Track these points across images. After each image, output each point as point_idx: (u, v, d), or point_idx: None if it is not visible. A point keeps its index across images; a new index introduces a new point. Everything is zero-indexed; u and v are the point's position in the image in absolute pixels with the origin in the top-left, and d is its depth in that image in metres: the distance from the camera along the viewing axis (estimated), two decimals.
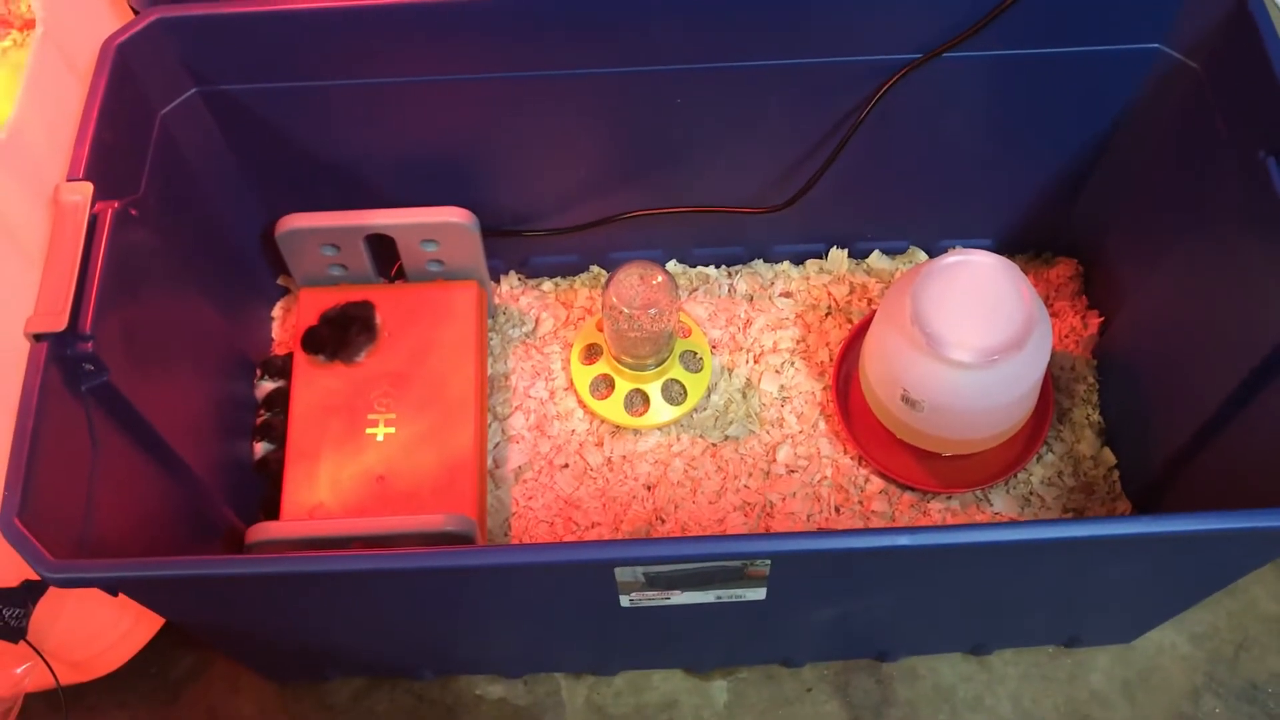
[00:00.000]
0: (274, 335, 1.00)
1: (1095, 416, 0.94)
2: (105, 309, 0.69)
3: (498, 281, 1.02)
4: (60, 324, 0.65)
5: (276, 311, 1.01)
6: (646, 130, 0.88)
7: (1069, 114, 0.88)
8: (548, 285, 1.02)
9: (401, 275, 0.96)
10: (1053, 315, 0.99)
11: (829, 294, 1.00)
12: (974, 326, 0.81)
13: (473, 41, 0.80)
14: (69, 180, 0.70)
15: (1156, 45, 0.81)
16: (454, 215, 0.90)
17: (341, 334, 0.90)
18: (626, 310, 0.88)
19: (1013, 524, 0.60)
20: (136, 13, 0.78)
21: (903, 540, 0.60)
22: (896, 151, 0.90)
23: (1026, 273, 0.99)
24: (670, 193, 0.94)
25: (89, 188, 0.70)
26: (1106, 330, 0.96)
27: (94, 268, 0.69)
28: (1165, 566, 0.73)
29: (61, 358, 0.67)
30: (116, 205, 0.72)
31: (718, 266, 1.02)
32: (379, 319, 0.92)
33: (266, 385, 0.94)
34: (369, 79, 0.82)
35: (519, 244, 0.98)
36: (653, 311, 0.88)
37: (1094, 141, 0.90)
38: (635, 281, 0.88)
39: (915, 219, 0.99)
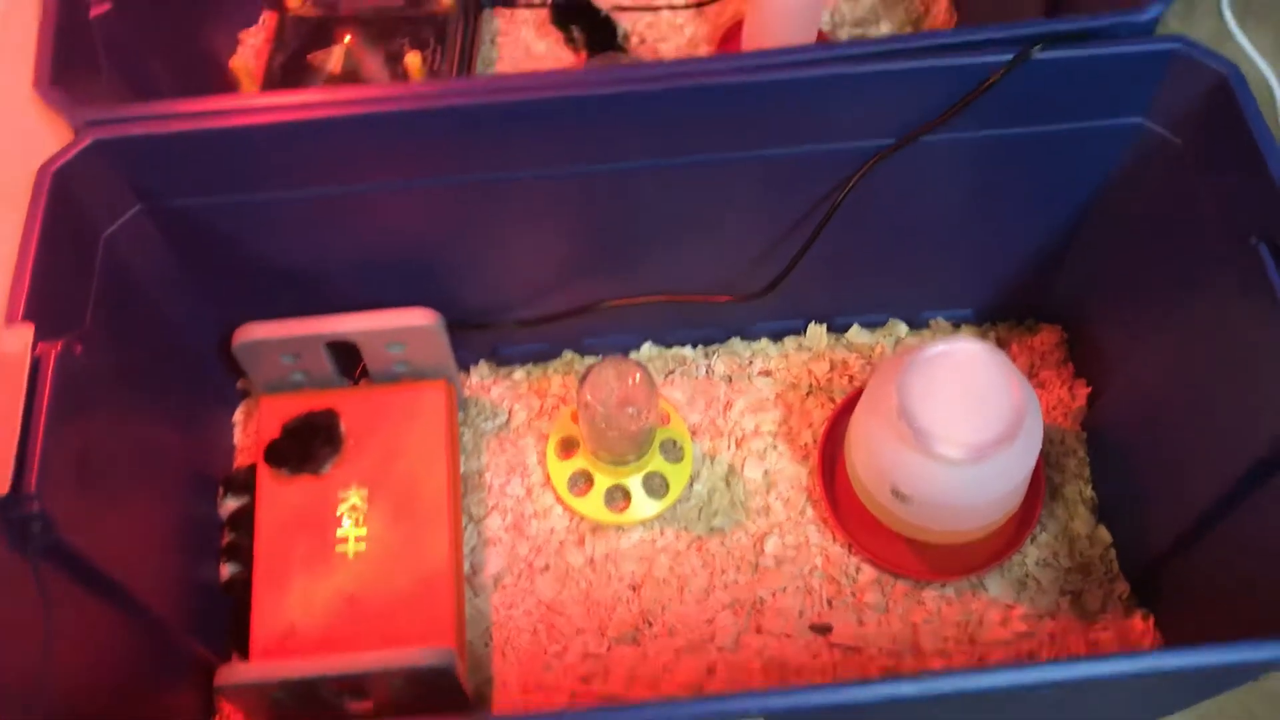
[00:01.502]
0: (236, 442, 0.96)
1: (1088, 492, 0.91)
2: (52, 460, 0.65)
3: (467, 372, 0.99)
4: (2, 489, 0.62)
5: (238, 416, 0.97)
6: (615, 224, 0.85)
7: (1049, 188, 0.85)
8: (519, 374, 0.99)
9: (366, 376, 0.92)
10: (1039, 385, 0.96)
11: (809, 372, 0.97)
12: (963, 420, 0.78)
13: (429, 148, 0.77)
14: (8, 324, 0.67)
15: (1139, 120, 0.79)
16: (419, 318, 0.86)
17: (305, 446, 0.87)
18: (603, 409, 0.85)
19: (1024, 667, 0.57)
20: (75, 132, 0.74)
21: (906, 689, 0.57)
22: (872, 230, 0.87)
23: (1009, 341, 0.98)
24: (644, 281, 0.91)
25: (29, 333, 0.66)
26: (1095, 402, 0.93)
27: (37, 419, 0.65)
28: (1177, 684, 0.71)
29: (6, 521, 0.63)
30: (59, 346, 0.68)
31: (694, 346, 0.99)
32: (343, 427, 0.88)
33: (230, 503, 0.91)
34: (324, 189, 0.78)
35: (488, 333, 0.95)
36: (631, 410, 0.85)
37: (1075, 213, 0.88)
38: (611, 379, 0.85)
39: (894, 292, 0.97)
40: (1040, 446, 0.81)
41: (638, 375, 0.84)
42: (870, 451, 0.83)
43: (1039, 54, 0.74)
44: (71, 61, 0.78)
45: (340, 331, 0.86)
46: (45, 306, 0.69)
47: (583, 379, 0.86)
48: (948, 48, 0.75)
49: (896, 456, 0.80)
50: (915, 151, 0.79)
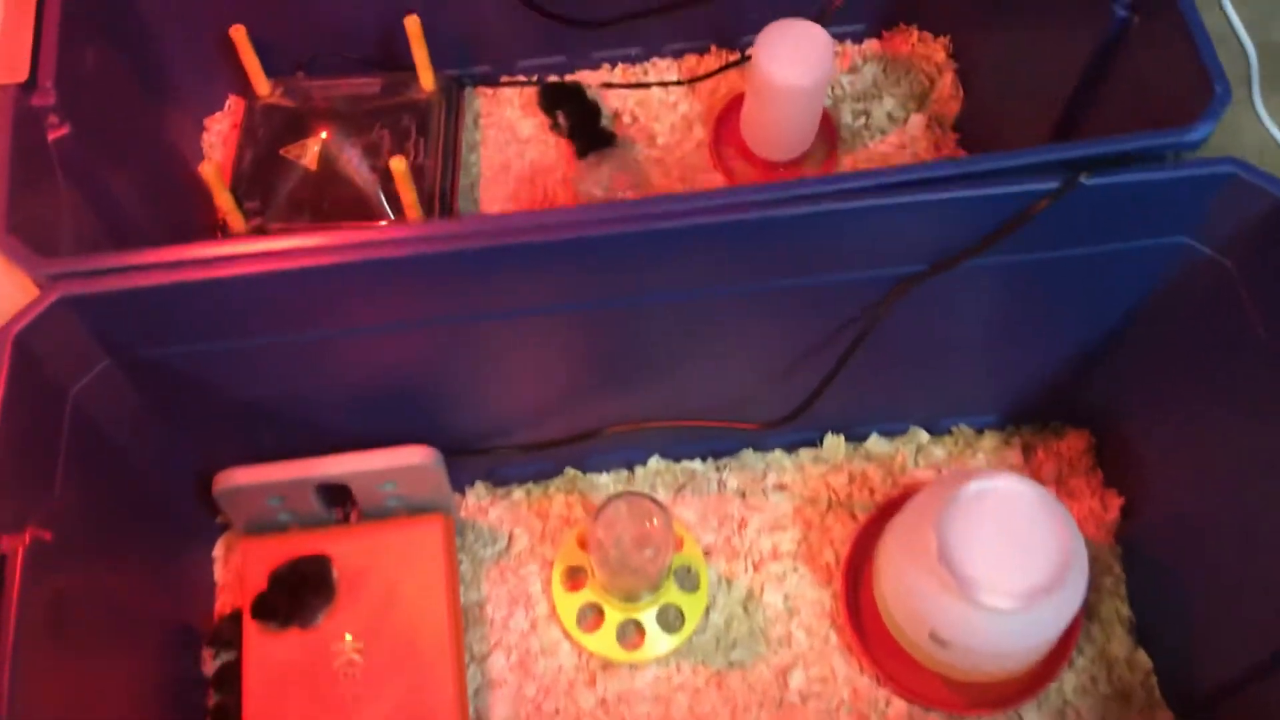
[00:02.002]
0: (217, 578, 0.89)
1: (1125, 611, 0.87)
2: (23, 636, 0.59)
3: (462, 493, 0.92)
4: None
5: (218, 551, 0.90)
6: (623, 354, 0.79)
7: (1085, 304, 0.81)
8: (519, 494, 0.93)
9: (356, 509, 0.86)
10: (1067, 495, 0.91)
11: (827, 485, 0.92)
12: (1010, 566, 0.73)
13: (423, 292, 0.70)
14: None
15: (1184, 240, 0.74)
16: (415, 456, 0.80)
17: (294, 597, 0.80)
18: (617, 551, 0.79)
19: None
20: (38, 285, 0.67)
21: None
22: (895, 346, 0.82)
23: (1035, 445, 0.93)
24: (652, 404, 0.85)
25: None
26: (1129, 514, 0.89)
27: (7, 609, 0.59)
28: None
29: None
30: (27, 539, 0.61)
31: (704, 460, 0.94)
32: (335, 572, 0.82)
33: (215, 660, 0.84)
34: (309, 334, 0.72)
35: (486, 456, 0.89)
36: (649, 553, 0.79)
37: (1112, 326, 0.83)
38: (626, 518, 0.79)
39: (915, 400, 0.92)
40: (1086, 583, 0.77)
41: (656, 519, 0.79)
42: (906, 593, 0.78)
43: (1087, 181, 0.68)
44: (30, 199, 0.71)
45: (330, 473, 0.80)
46: (9, 488, 0.62)
47: (596, 515, 0.80)
48: (986, 175, 0.69)
49: (936, 602, 0.75)
50: (946, 275, 0.74)
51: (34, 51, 0.74)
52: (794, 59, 0.95)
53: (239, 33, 0.97)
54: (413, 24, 0.97)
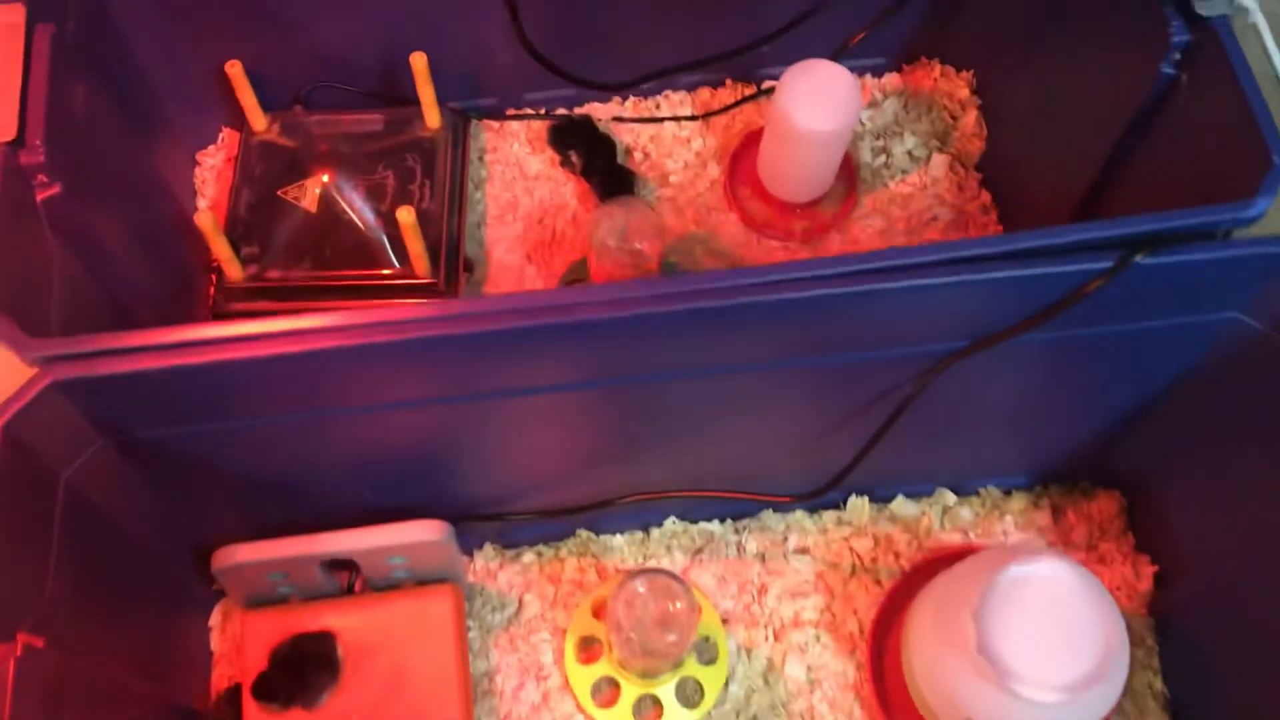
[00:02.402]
0: (213, 648, 0.85)
1: (1159, 685, 0.84)
2: None
3: (470, 556, 0.89)
4: None
5: (214, 620, 0.86)
6: (645, 428, 0.76)
7: (1125, 376, 0.78)
8: (529, 556, 0.89)
9: (360, 579, 0.82)
10: (1098, 560, 0.88)
11: (851, 549, 0.89)
12: (1052, 657, 0.70)
13: (433, 372, 0.67)
14: None
15: (1235, 315, 0.71)
16: (426, 531, 0.76)
17: (297, 677, 0.76)
18: (637, 634, 0.75)
19: None
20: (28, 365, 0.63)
21: None
22: (927, 416, 0.78)
23: (1065, 507, 0.90)
24: (674, 474, 0.81)
25: None
26: (1162, 581, 0.86)
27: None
28: None
29: None
30: (19, 650, 0.57)
31: (722, 521, 0.90)
32: (340, 650, 0.78)
33: None
34: (313, 413, 0.68)
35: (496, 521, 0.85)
36: (671, 637, 0.75)
37: (1150, 394, 0.80)
38: (646, 598, 0.76)
39: (943, 463, 0.88)
40: (1128, 669, 0.74)
41: (680, 601, 0.75)
42: (940, 677, 0.75)
43: (1143, 260, 0.65)
44: (20, 269, 0.67)
45: (337, 549, 0.76)
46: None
47: (615, 593, 0.76)
48: (1036, 253, 0.66)
49: (974, 690, 0.72)
50: (988, 351, 0.71)
51: (21, 107, 0.70)
52: (818, 102, 0.91)
53: (235, 69, 0.92)
54: (419, 61, 0.92)
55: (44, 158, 0.70)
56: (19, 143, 0.69)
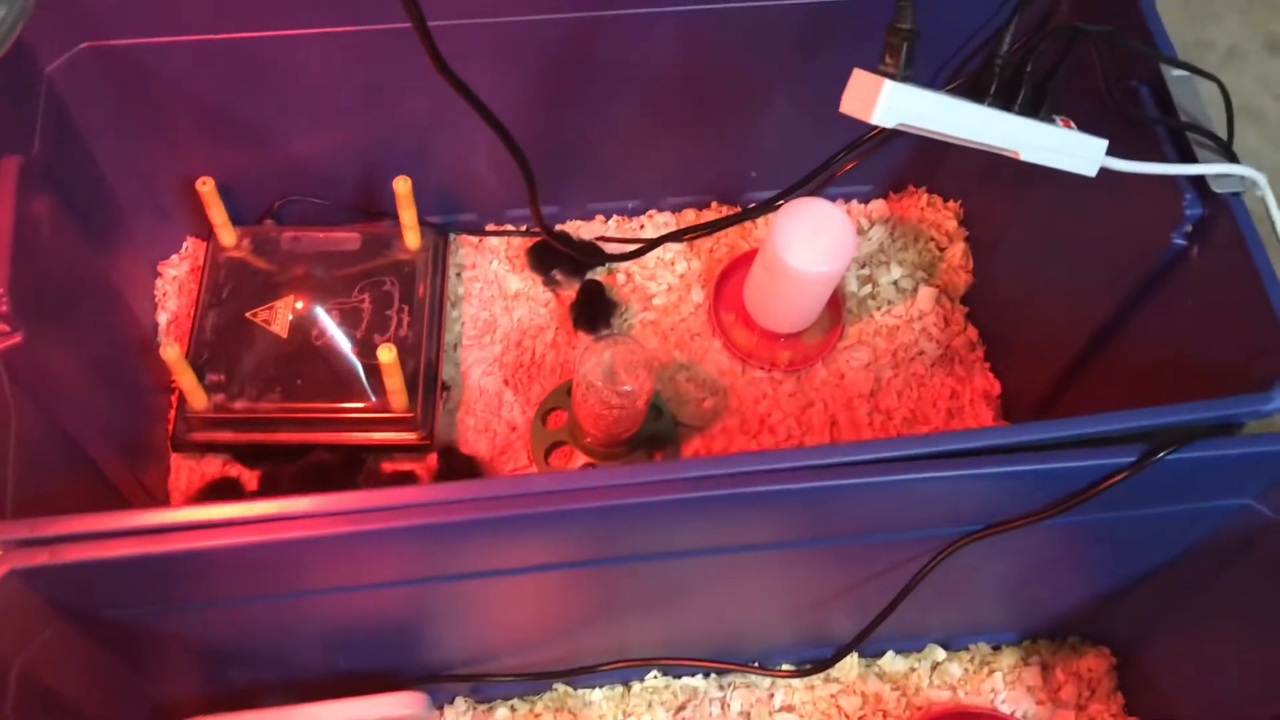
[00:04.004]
0: None
1: None
2: None
3: (440, 710, 0.84)
4: None
5: None
6: (631, 602, 0.72)
7: (1127, 553, 0.76)
8: (503, 712, 0.84)
9: None
10: None
11: (839, 708, 0.86)
12: None
13: (415, 555, 0.63)
14: None
15: (1248, 502, 0.69)
16: (404, 704, 0.72)
17: None
18: None
19: None
20: None
21: None
22: (926, 585, 0.76)
23: (1054, 665, 0.88)
24: (661, 638, 0.78)
25: None
26: None
27: None
28: None
29: None
30: None
31: (706, 676, 0.86)
32: None
33: None
34: (284, 595, 0.64)
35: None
36: None
37: (1151, 568, 0.78)
38: None
39: (934, 622, 0.86)
40: None
41: None
42: None
43: (1167, 457, 0.63)
44: None
45: None
46: None
47: None
48: (1052, 444, 0.64)
49: None
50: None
51: None
52: (812, 243, 0.89)
53: (207, 186, 0.87)
54: (403, 186, 0.88)
55: (6, 307, 0.65)
56: None
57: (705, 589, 0.72)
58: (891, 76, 0.55)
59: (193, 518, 0.58)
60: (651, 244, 0.99)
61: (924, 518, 0.66)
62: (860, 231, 1.05)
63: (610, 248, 1.02)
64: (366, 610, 0.68)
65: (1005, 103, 0.59)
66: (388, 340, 0.88)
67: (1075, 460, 0.63)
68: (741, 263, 1.02)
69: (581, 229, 1.03)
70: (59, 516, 0.57)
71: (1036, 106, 0.60)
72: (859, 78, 0.56)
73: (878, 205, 1.07)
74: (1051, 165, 0.61)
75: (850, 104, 0.57)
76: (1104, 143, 0.63)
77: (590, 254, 0.99)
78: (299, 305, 0.88)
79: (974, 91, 0.60)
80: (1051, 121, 0.61)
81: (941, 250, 1.04)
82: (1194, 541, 0.74)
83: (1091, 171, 0.63)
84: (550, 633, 0.77)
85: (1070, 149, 0.61)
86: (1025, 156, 0.60)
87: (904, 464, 0.62)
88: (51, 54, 0.78)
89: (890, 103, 0.54)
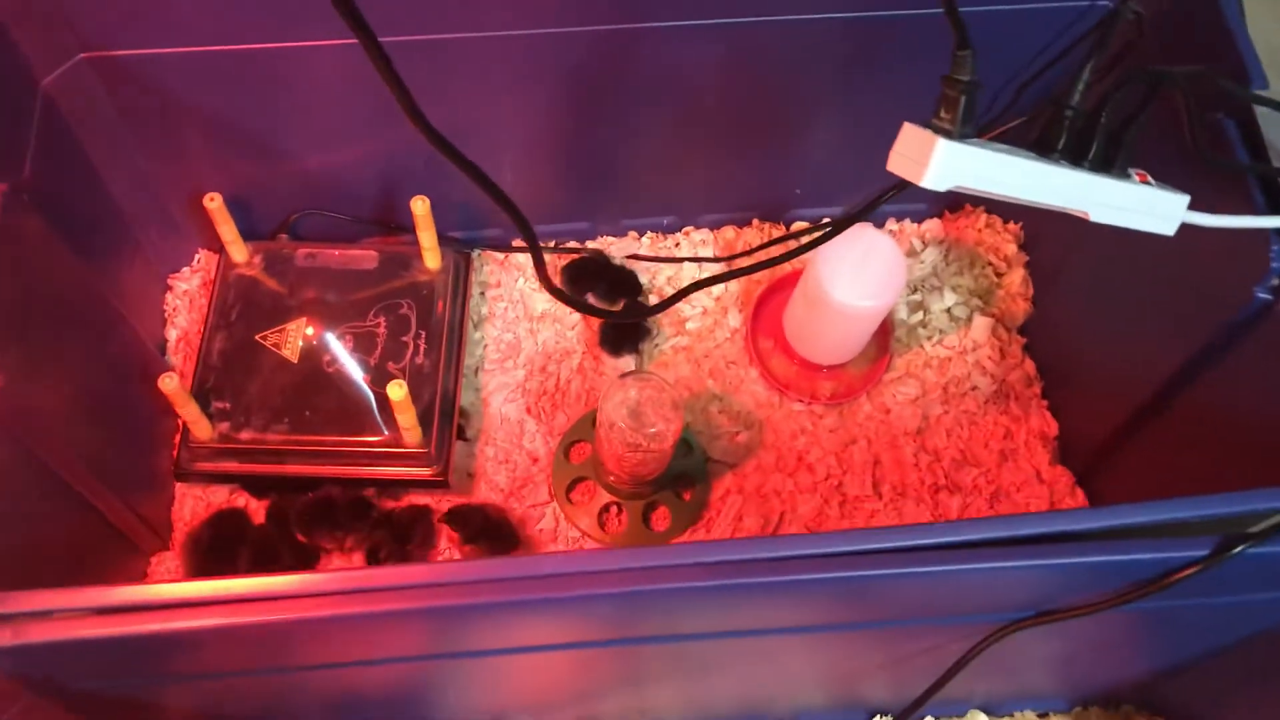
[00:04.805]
0: None
1: None
2: None
3: None
4: None
5: None
6: (652, 677, 0.67)
7: (1191, 638, 0.69)
8: None
9: None
10: None
11: None
12: None
13: (425, 634, 0.58)
14: None
15: None
16: None
17: None
18: None
19: None
20: None
21: None
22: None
23: None
24: (686, 704, 0.73)
25: None
26: None
27: None
28: None
29: None
30: None
31: None
32: None
33: None
34: (273, 670, 0.59)
35: None
36: None
37: (1216, 648, 0.72)
38: None
39: (978, 691, 0.80)
40: None
41: None
42: None
43: (1246, 551, 0.57)
44: None
45: None
46: None
47: None
48: (1114, 533, 0.57)
49: None
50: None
51: None
52: (858, 276, 0.82)
53: (215, 203, 0.83)
54: (420, 206, 0.83)
55: None
56: None
57: (730, 666, 0.66)
58: (947, 134, 0.48)
59: (167, 595, 0.53)
60: (702, 283, 0.93)
61: (967, 606, 0.60)
62: (912, 253, 0.98)
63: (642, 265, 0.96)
64: (367, 679, 0.64)
65: (1074, 157, 0.53)
66: (402, 368, 0.83)
67: (1139, 553, 0.57)
68: (782, 285, 0.96)
69: (613, 245, 0.98)
70: (22, 591, 0.53)
71: (1110, 161, 0.53)
72: (909, 134, 0.50)
73: (932, 225, 1.00)
74: (1125, 225, 0.54)
75: (898, 163, 0.50)
76: (1185, 199, 0.56)
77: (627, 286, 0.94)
78: (309, 330, 0.83)
79: (1039, 144, 0.53)
80: (1127, 177, 0.54)
81: (999, 276, 0.97)
82: (1268, 626, 0.68)
83: (1170, 230, 0.56)
84: (564, 695, 0.72)
85: (1146, 207, 0.54)
86: (1095, 217, 0.53)
87: (947, 552, 0.56)
88: (47, 66, 0.74)
89: (944, 164, 0.48)
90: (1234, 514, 0.57)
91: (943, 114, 0.48)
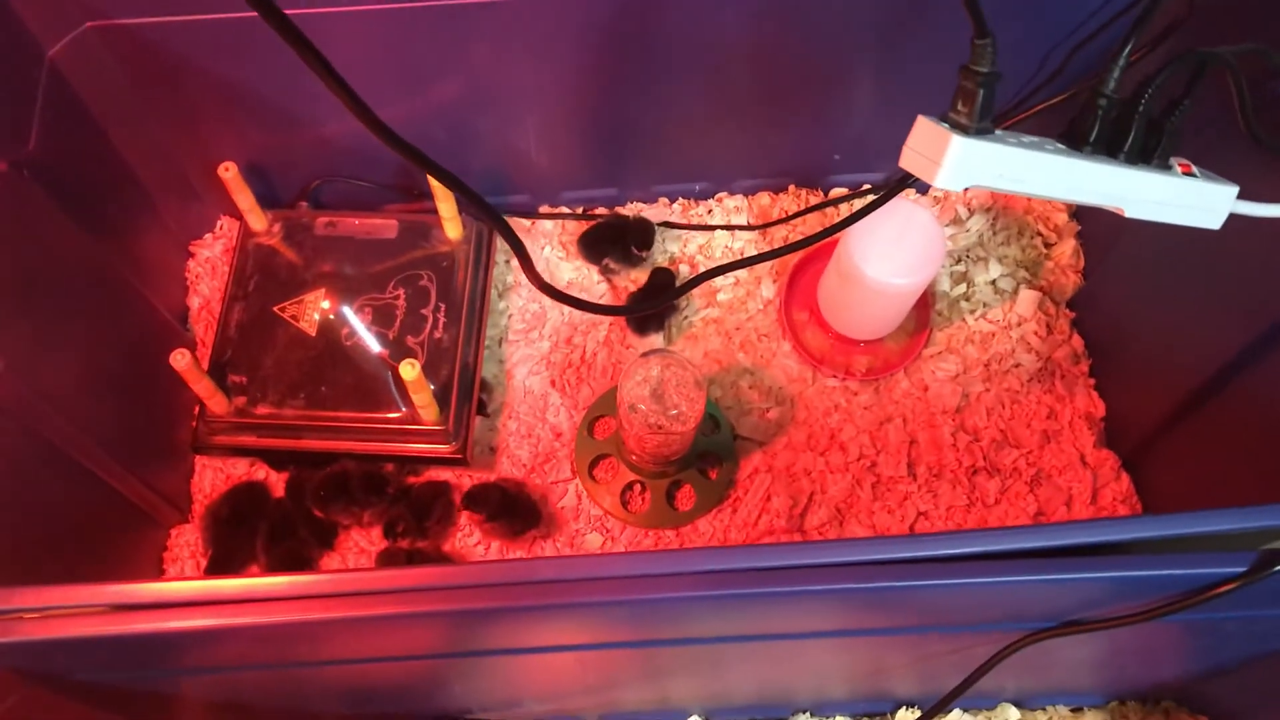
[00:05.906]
0: None
1: None
2: None
3: None
4: None
5: None
6: (671, 674, 0.65)
7: (1230, 645, 0.66)
8: None
9: None
10: None
11: None
12: None
13: (433, 635, 0.56)
14: None
15: None
16: None
17: None
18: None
19: None
20: None
21: None
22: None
23: None
24: (707, 695, 0.71)
25: None
26: None
27: None
28: None
29: None
30: None
31: None
32: None
33: None
34: (284, 664, 0.58)
35: None
36: None
37: (1259, 653, 0.68)
38: None
39: (1008, 685, 0.77)
40: None
41: None
42: None
43: None
44: None
45: None
46: None
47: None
48: (1148, 544, 0.54)
49: None
50: None
51: None
52: (893, 252, 0.78)
53: (230, 172, 0.81)
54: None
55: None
56: None
57: (751, 663, 0.64)
58: (963, 129, 0.44)
59: (165, 594, 0.52)
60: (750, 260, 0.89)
61: (996, 614, 0.57)
62: (957, 221, 0.94)
63: (671, 233, 0.93)
64: (381, 673, 0.63)
65: (1108, 149, 0.48)
66: (421, 342, 0.81)
67: (1175, 568, 0.53)
68: (819, 254, 0.92)
69: (644, 212, 0.94)
70: (15, 588, 0.52)
71: (1149, 151, 0.49)
72: (923, 128, 0.46)
73: (978, 191, 0.95)
74: (1164, 221, 0.50)
75: (911, 159, 0.46)
76: (1233, 190, 0.51)
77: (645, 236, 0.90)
78: (326, 304, 0.82)
79: (1069, 136, 0.48)
80: (1168, 168, 0.49)
81: (1049, 247, 0.93)
82: None
83: (1215, 225, 0.51)
84: (583, 687, 0.70)
85: (1189, 200, 0.49)
86: (1131, 213, 0.49)
87: (978, 563, 0.53)
88: (54, 36, 0.72)
89: (960, 162, 0.44)
90: (1276, 527, 0.54)
91: (960, 107, 0.44)
